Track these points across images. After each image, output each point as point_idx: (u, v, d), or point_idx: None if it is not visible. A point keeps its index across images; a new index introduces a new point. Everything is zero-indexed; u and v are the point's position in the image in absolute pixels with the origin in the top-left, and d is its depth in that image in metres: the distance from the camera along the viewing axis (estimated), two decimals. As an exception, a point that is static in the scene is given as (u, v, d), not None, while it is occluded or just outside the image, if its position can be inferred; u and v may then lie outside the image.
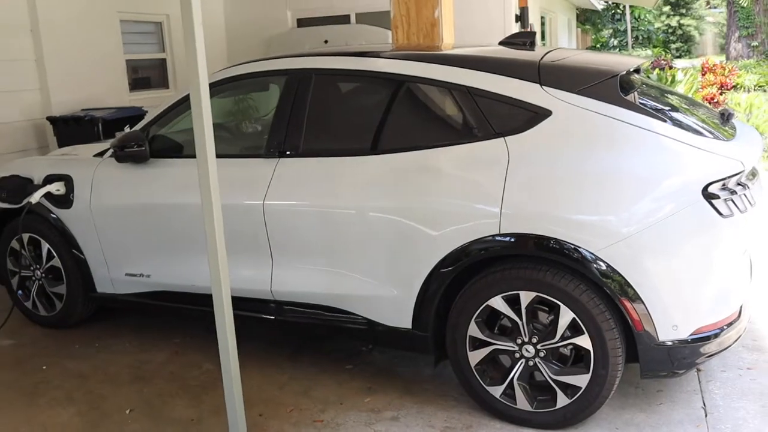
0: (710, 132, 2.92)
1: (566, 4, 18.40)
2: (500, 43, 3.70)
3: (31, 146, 6.69)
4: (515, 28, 8.75)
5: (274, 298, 3.45)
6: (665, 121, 2.83)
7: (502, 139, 2.94)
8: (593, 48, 22.62)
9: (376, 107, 3.30)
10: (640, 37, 26.61)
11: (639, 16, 25.03)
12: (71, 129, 6.57)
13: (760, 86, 16.64)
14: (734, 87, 15.14)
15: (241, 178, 3.42)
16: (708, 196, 2.67)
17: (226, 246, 3.44)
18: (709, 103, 10.93)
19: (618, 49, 22.77)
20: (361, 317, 3.26)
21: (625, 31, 23.08)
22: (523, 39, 3.61)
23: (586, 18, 24.22)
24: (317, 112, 3.37)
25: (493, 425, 3.05)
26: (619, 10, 24.86)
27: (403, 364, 3.64)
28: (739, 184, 2.76)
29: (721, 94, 11.28)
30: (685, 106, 3.36)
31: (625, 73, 3.03)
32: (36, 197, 3.97)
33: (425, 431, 3.04)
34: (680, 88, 11.62)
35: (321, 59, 3.43)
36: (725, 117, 3.25)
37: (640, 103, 2.91)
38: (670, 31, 33.71)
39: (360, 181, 3.16)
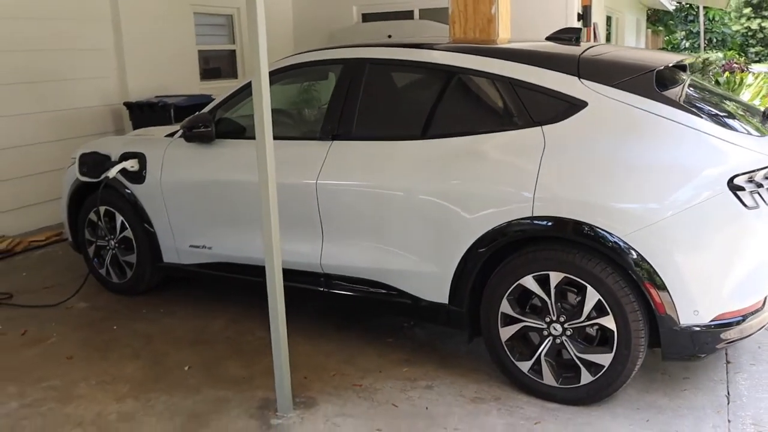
0: (742, 128, 3.03)
1: (636, 4, 18.15)
2: (547, 38, 3.86)
3: (108, 129, 7.18)
4: (578, 26, 8.80)
5: (324, 272, 3.72)
6: (698, 115, 2.96)
7: (539, 127, 3.12)
8: (664, 50, 22.17)
9: (423, 95, 3.53)
10: (714, 40, 25.92)
11: (713, 18, 24.39)
12: (146, 114, 7.02)
13: (838, 92, 16.08)
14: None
15: (297, 159, 3.70)
16: (734, 188, 2.79)
17: (280, 221, 3.74)
18: (777, 107, 10.68)
19: (689, 51, 22.28)
20: (404, 292, 3.48)
21: (698, 33, 22.53)
22: (569, 35, 3.77)
23: (657, 19, 23.76)
24: (369, 98, 3.62)
25: (519, 398, 3.23)
26: (693, 11, 24.29)
27: (441, 341, 3.86)
28: (766, 178, 2.86)
29: (791, 98, 10.99)
30: (725, 104, 3.46)
31: (663, 68, 3.16)
32: (113, 172, 4.35)
33: (456, 400, 3.25)
34: (748, 92, 11.39)
35: (374, 50, 3.68)
36: (766, 116, 3.35)
37: (681, 98, 3.04)
38: (750, 34, 32.64)
39: (406, 164, 3.39)
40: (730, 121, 3.07)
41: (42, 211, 6.52)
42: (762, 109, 3.48)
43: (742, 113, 3.35)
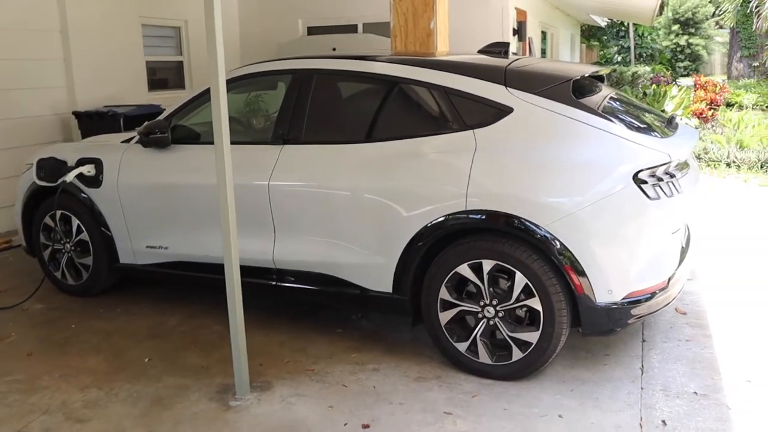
0: (647, 130, 3.45)
1: (569, 20, 18.96)
2: (479, 51, 4.24)
3: (57, 138, 7.26)
4: (513, 41, 9.29)
5: (276, 267, 3.98)
6: (609, 119, 3.36)
7: (471, 131, 3.48)
8: (598, 64, 23.17)
9: (367, 103, 3.86)
10: (644, 54, 27.18)
11: (643, 34, 25.62)
12: (95, 123, 7.14)
13: (757, 105, 17.16)
14: (731, 105, 15.64)
15: (250, 162, 3.96)
16: (638, 181, 3.19)
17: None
18: (698, 117, 11.44)
19: (620, 65, 23.34)
20: (352, 283, 3.78)
21: (629, 48, 23.63)
22: (499, 48, 4.16)
23: (591, 34, 24.80)
24: (317, 106, 3.92)
25: (458, 376, 3.56)
26: (623, 27, 25.44)
27: (387, 331, 4.16)
28: (666, 173, 3.28)
29: (710, 110, 11.77)
30: (635, 110, 3.89)
31: (579, 78, 3.56)
32: (70, 177, 4.52)
33: (401, 380, 3.55)
34: (671, 103, 12.14)
35: (322, 61, 3.99)
36: (671, 121, 3.80)
37: (595, 105, 3.44)
38: (678, 49, 34.21)
39: (352, 166, 3.70)
40: (638, 125, 3.48)
41: (-9, 220, 6.57)
42: (666, 116, 3.92)
43: (652, 120, 3.78)
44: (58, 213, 4.74)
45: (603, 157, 3.26)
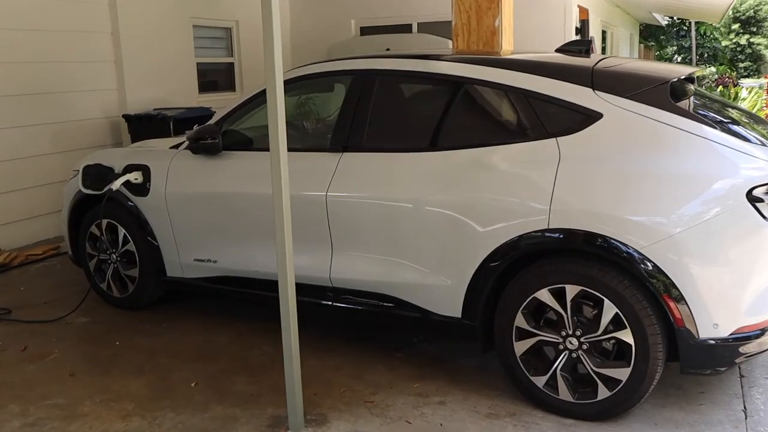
0: (759, 139, 3.02)
1: (629, 19, 18.28)
2: (557, 50, 3.85)
3: (107, 142, 7.12)
4: (587, 39, 8.84)
5: (333, 285, 3.66)
6: (714, 127, 2.94)
7: (554, 139, 3.10)
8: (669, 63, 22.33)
9: (435, 106, 3.50)
10: (706, 54, 26.16)
11: (705, 33, 24.65)
12: (144, 126, 6.98)
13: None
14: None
15: (306, 170, 3.65)
16: (752, 200, 2.77)
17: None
18: (773, 120, 10.75)
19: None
20: (415, 306, 3.43)
21: (690, 47, 22.72)
22: (579, 47, 3.76)
23: (649, 34, 23.94)
24: (380, 110, 3.59)
25: (535, 414, 3.18)
26: (684, 26, 24.51)
27: (451, 355, 3.80)
28: (784, 190, 2.84)
29: (785, 112, 11.08)
30: (739, 116, 3.45)
31: (676, 80, 3.14)
32: (117, 185, 4.29)
33: (470, 416, 3.19)
34: (742, 106, 11.46)
35: (385, 61, 3.65)
36: (774, 126, 3.34)
37: (692, 109, 3.02)
38: (738, 49, 32.99)
39: (418, 176, 3.35)
40: (747, 134, 3.05)
41: (39, 225, 6.45)
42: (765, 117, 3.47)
43: (758, 127, 3.34)
44: (104, 222, 4.52)
45: (709, 170, 2.84)
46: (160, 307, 4.64)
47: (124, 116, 7.07)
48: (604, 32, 13.78)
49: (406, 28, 9.60)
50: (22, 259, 5.89)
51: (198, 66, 8.36)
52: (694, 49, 21.40)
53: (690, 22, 21.65)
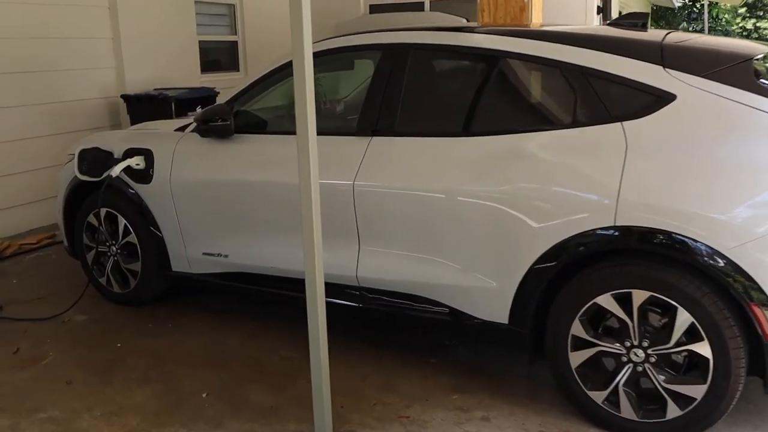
0: None
1: (643, 0, 17.82)
2: (609, 24, 3.45)
3: (104, 123, 6.71)
4: (597, 19, 8.43)
5: (360, 285, 3.29)
6: (806, 110, 2.55)
7: (619, 124, 2.71)
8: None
9: (478, 86, 3.10)
10: (716, 38, 25.61)
11: (717, 16, 24.09)
12: (144, 107, 6.57)
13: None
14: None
15: (330, 157, 3.26)
16: None
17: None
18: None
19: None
20: (454, 309, 3.07)
21: (702, 30, 22.25)
22: (635, 20, 3.35)
23: (659, 16, 23.44)
24: (414, 89, 3.19)
25: (592, 433, 2.82)
26: (695, 9, 23.99)
27: (489, 361, 3.44)
28: None
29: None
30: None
31: (760, 57, 2.76)
32: (116, 171, 3.90)
33: (519, 435, 2.83)
34: None
35: (420, 34, 3.25)
36: None
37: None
38: (744, 33, 32.46)
39: (460, 164, 2.97)
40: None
41: (33, 212, 6.05)
42: None
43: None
44: (103, 211, 4.13)
45: (808, 160, 2.46)
46: (163, 303, 4.26)
47: (123, 96, 6.65)
48: (620, 13, 13.34)
49: (417, 6, 9.17)
50: (15, 249, 5.50)
51: (200, 44, 7.92)
52: (706, 32, 20.92)
53: (703, 5, 21.17)
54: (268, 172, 3.44)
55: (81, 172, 4.09)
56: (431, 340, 3.67)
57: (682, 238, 2.51)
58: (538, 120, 2.91)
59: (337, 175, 3.21)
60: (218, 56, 8.52)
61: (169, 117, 6.46)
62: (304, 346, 3.60)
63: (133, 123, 6.59)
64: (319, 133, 3.37)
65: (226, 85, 7.65)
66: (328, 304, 3.31)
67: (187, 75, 7.56)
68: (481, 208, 2.89)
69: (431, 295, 3.13)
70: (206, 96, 6.87)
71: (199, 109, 6.83)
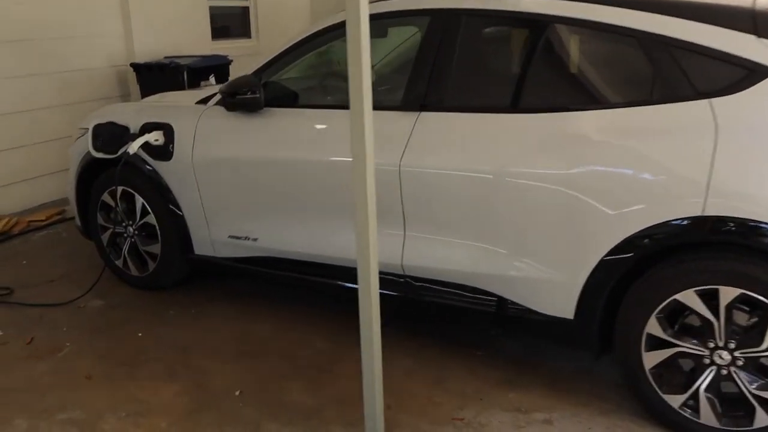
0: None
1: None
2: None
3: (113, 94, 6.38)
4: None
5: (405, 273, 3.02)
6: None
7: (706, 101, 2.41)
8: None
9: (542, 57, 2.79)
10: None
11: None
12: (155, 76, 6.25)
13: None
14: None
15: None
16: None
17: (348, 211, 3.03)
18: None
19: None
20: (511, 302, 2.80)
21: None
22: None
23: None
24: (469, 59, 2.89)
25: (668, 440, 2.58)
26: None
27: (542, 355, 3.19)
28: None
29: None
30: None
31: None
32: (134, 147, 3.60)
33: (585, 441, 2.59)
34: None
35: (475, -1, 2.93)
36: None
37: None
38: None
39: (524, 143, 2.68)
40: None
41: (41, 186, 5.77)
42: None
43: None
44: (119, 190, 3.84)
45: None
46: (185, 287, 4.00)
47: (132, 65, 6.32)
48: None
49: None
50: (23, 226, 5.23)
51: (210, 10, 7.55)
52: None
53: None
54: (302, 149, 3.16)
55: (96, 148, 3.79)
56: (472, 330, 3.41)
57: (784, 229, 2.23)
58: (613, 95, 2.61)
59: (381, 155, 2.92)
60: (229, 23, 8.15)
61: (181, 86, 6.16)
62: (338, 336, 3.37)
63: (143, 93, 6.28)
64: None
65: (239, 53, 7.30)
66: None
67: (198, 42, 7.21)
68: (546, 192, 2.61)
69: (485, 285, 2.86)
70: (219, 64, 6.55)
71: (212, 79, 6.60)
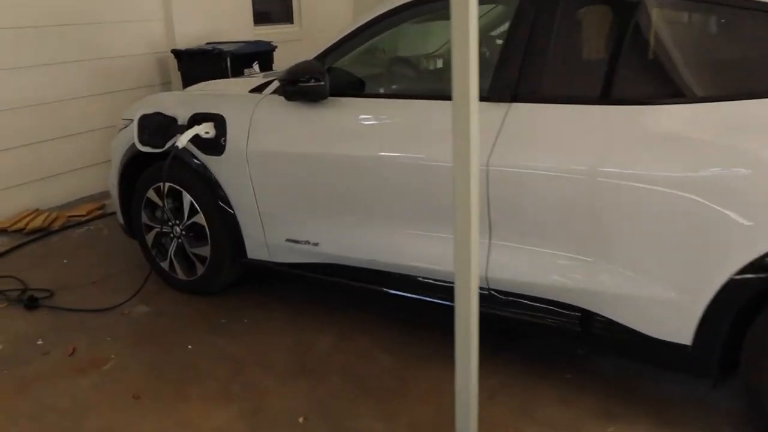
0: None
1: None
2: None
3: (154, 82, 6.11)
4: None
5: (489, 286, 2.67)
6: None
7: None
8: None
9: (658, 39, 2.40)
10: None
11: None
12: (197, 63, 5.95)
13: None
14: None
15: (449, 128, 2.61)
16: None
17: (425, 214, 2.71)
18: None
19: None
20: (616, 323, 2.44)
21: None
22: None
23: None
24: (571, 41, 2.51)
25: (809, 489, 2.20)
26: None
27: (637, 377, 2.81)
28: None
29: None
30: None
31: None
32: (183, 141, 3.29)
33: (709, 487, 2.22)
34: None
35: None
36: None
37: None
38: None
39: (637, 140, 2.30)
40: None
41: (79, 179, 5.52)
42: None
43: None
44: (165, 186, 3.55)
45: None
46: (234, 292, 3.70)
47: (174, 52, 6.03)
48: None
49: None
50: (63, 222, 4.99)
51: (252, -6, 7.23)
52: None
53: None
54: (375, 144, 2.82)
55: (142, 142, 3.50)
56: (558, 348, 3.05)
57: None
58: (751, 84, 2.22)
59: (465, 151, 2.56)
60: (270, 7, 7.83)
61: (224, 74, 5.85)
62: (402, 350, 3.06)
63: (185, 81, 6.00)
64: (430, 97, 2.76)
65: (281, 38, 6.97)
66: (442, 306, 2.73)
67: (240, 28, 6.90)
68: (666, 198, 2.23)
69: (584, 303, 2.50)
70: (264, 50, 6.23)
71: (255, 66, 6.29)
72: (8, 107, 4.95)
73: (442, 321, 3.18)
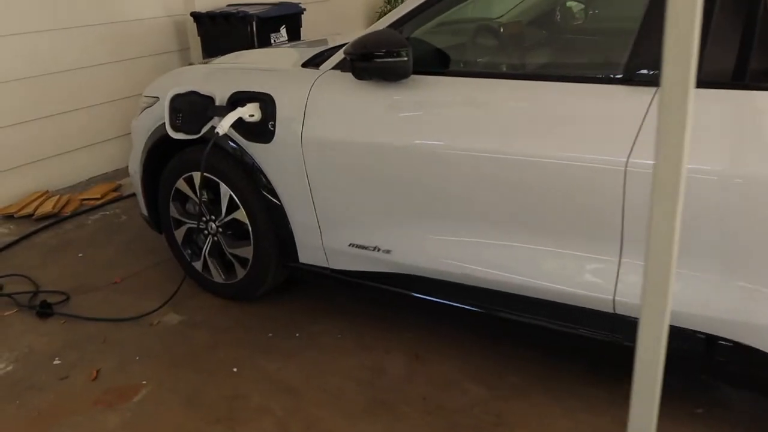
0: None
1: None
2: None
3: (171, 47, 5.53)
4: None
5: (615, 312, 2.16)
6: None
7: None
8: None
9: None
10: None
11: None
12: (218, 28, 5.39)
13: None
14: None
15: (580, 117, 2.08)
16: None
17: (537, 221, 2.20)
18: None
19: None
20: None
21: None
22: None
23: None
24: (738, 12, 1.96)
25: None
26: None
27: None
28: None
29: None
30: None
31: None
32: (225, 127, 2.74)
33: None
34: None
35: None
36: None
37: None
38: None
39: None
40: None
41: (92, 157, 5.00)
42: None
43: None
44: (197, 175, 3.01)
45: None
46: (278, 298, 3.20)
47: (193, 15, 5.44)
48: None
49: None
50: (75, 206, 4.47)
51: (275, -51, 6.59)
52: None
53: None
54: (472, 135, 2.27)
55: (174, 128, 2.95)
56: (680, 379, 2.55)
57: None
58: None
59: (596, 149, 2.04)
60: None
61: (248, 40, 5.29)
62: (490, 377, 2.60)
63: (205, 47, 5.44)
64: (533, 77, 2.22)
65: (314, 1, 6.36)
66: (548, 331, 2.24)
67: (263, -12, 6.29)
68: None
69: (746, 339, 1.99)
70: (293, 13, 5.65)
71: (282, 31, 5.70)
72: (13, 78, 4.40)
73: (541, 343, 2.70)
